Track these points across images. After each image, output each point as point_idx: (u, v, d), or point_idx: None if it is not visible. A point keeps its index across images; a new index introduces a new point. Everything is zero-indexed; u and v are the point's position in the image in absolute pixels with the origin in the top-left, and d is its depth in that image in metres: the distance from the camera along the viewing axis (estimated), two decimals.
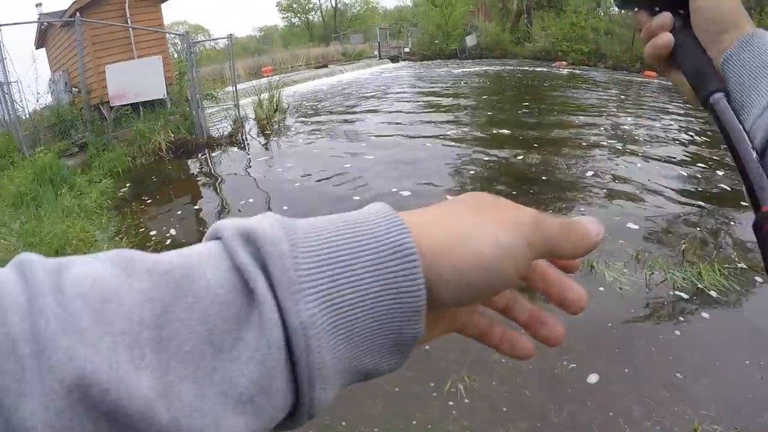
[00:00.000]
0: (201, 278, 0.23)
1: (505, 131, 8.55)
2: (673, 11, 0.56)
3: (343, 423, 2.42)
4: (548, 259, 0.35)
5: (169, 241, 4.81)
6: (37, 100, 9.23)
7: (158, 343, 0.21)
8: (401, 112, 10.99)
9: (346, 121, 10.54)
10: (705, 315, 3.20)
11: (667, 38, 0.54)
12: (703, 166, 6.21)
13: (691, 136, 7.73)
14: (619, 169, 6.25)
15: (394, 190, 5.66)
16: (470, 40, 26.98)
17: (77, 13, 8.77)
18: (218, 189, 6.78)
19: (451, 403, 2.52)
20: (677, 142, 7.45)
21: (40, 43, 11.65)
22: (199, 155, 8.56)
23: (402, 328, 0.27)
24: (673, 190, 5.47)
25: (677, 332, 3.04)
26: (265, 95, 10.58)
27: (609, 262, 3.77)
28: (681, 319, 3.17)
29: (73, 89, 9.71)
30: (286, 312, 0.23)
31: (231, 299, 0.23)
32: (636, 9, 0.60)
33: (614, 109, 10.56)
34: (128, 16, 9.70)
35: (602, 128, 8.65)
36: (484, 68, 20.93)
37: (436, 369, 2.72)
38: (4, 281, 0.21)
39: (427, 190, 5.65)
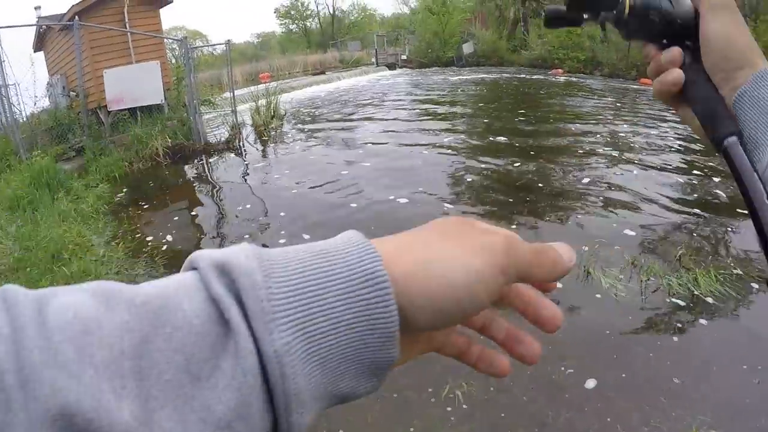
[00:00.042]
0: (178, 309, 0.24)
1: (502, 139, 8.57)
2: (683, 45, 0.54)
3: (341, 431, 2.41)
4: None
5: (165, 247, 4.80)
6: (35, 104, 9.21)
7: (138, 372, 0.22)
8: (398, 119, 11.02)
9: (343, 128, 10.56)
10: (702, 321, 3.21)
11: (677, 75, 0.53)
12: (698, 173, 6.25)
13: (686, 143, 7.76)
14: (616, 177, 6.27)
15: (391, 197, 5.67)
16: (467, 48, 27.10)
17: (76, 17, 8.78)
18: (215, 195, 6.77)
19: (449, 408, 2.52)
20: (673, 149, 7.49)
21: (38, 46, 11.66)
22: (196, 161, 8.56)
23: (376, 354, 0.27)
24: (670, 197, 5.49)
25: (675, 339, 3.05)
26: (263, 101, 10.61)
27: (605, 269, 3.79)
28: (678, 325, 3.18)
29: (71, 93, 9.70)
30: (260, 341, 0.24)
31: (207, 329, 0.24)
32: (644, 41, 0.58)
33: (610, 117, 10.61)
34: (127, 20, 9.71)
35: (598, 136, 8.69)
36: (481, 76, 21.02)
37: (433, 375, 2.72)
38: None
39: (424, 198, 5.65)
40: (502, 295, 0.34)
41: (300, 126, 11.16)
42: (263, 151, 9.14)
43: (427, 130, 9.66)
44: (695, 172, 6.33)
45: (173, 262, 4.46)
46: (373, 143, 8.75)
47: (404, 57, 28.85)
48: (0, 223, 5.24)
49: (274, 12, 46.07)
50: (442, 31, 27.69)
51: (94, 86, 9.17)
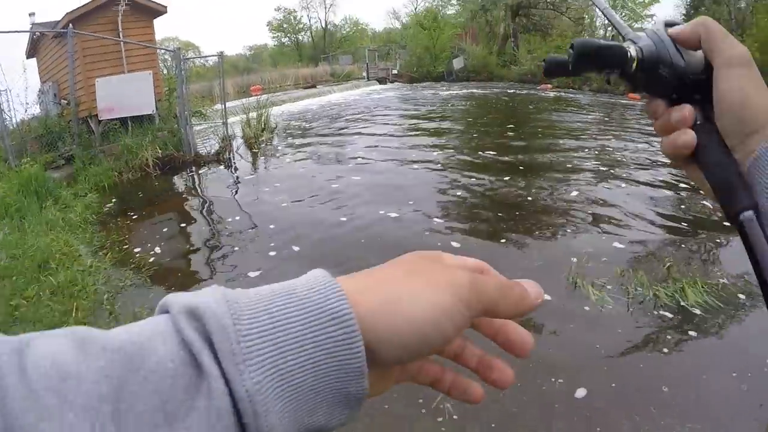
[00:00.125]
0: (152, 354, 0.25)
1: (491, 154, 8.63)
2: (693, 101, 0.50)
3: None
4: None
5: (152, 259, 4.75)
6: (26, 111, 9.16)
7: (117, 415, 0.23)
8: (388, 134, 11.07)
9: (333, 142, 10.58)
10: (690, 331, 3.23)
11: (689, 138, 0.48)
12: (686, 187, 6.31)
13: None
14: (604, 191, 6.33)
15: (382, 212, 5.66)
16: (457, 63, 27.42)
17: (70, 25, 8.77)
18: (204, 207, 6.74)
19: (440, 419, 2.51)
20: (660, 164, 7.57)
21: (31, 52, 11.63)
22: (187, 172, 8.54)
23: (346, 388, 0.28)
24: (658, 212, 5.54)
25: (664, 349, 3.06)
26: (254, 114, 10.62)
27: (594, 281, 3.81)
28: (667, 336, 3.20)
29: (62, 101, 9.66)
30: (231, 382, 0.25)
31: (181, 372, 0.25)
32: (651, 96, 0.53)
33: (599, 132, 10.74)
34: (120, 30, 9.73)
35: (587, 151, 8.78)
36: (471, 90, 21.22)
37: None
38: None
39: (413, 214, 5.64)
40: (471, 324, 0.35)
41: (290, 139, 11.18)
42: (253, 163, 9.13)
43: (417, 145, 9.71)
44: (683, 185, 6.40)
45: (160, 275, 4.42)
46: (363, 158, 8.77)
47: (395, 71, 29.10)
48: None
49: (267, 25, 46.33)
50: (432, 46, 28.02)
51: (85, 95, 9.15)
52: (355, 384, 0.28)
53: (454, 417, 2.52)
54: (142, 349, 0.25)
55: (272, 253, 4.75)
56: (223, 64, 10.33)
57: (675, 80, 0.50)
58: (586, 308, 3.52)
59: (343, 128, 12.42)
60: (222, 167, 8.76)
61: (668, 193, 6.22)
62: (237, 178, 8.07)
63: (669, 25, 0.52)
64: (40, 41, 10.89)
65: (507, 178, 6.97)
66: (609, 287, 3.76)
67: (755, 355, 2.90)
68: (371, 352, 0.29)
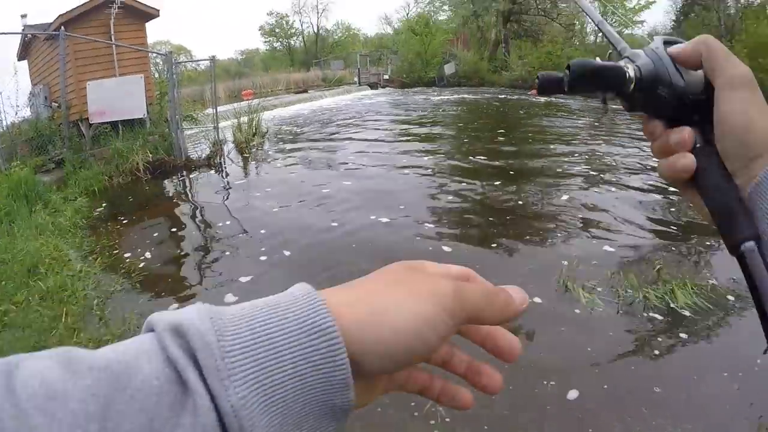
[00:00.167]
0: (138, 372, 0.25)
1: (482, 159, 8.67)
2: (692, 122, 0.48)
3: None
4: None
5: (143, 264, 4.72)
6: (16, 113, 9.10)
7: None
8: (379, 140, 11.07)
9: (324, 147, 10.58)
10: (680, 332, 3.26)
11: (688, 162, 0.46)
12: (676, 191, 6.35)
13: None
14: (595, 196, 6.37)
15: (373, 217, 5.66)
16: (449, 68, 27.52)
17: (62, 27, 8.73)
18: (195, 212, 6.72)
19: (432, 422, 2.51)
20: (650, 168, 7.63)
21: (22, 55, 11.55)
22: (177, 177, 8.50)
23: (332, 399, 0.29)
24: (648, 215, 5.58)
25: (655, 351, 3.09)
26: (245, 119, 10.60)
27: (584, 283, 3.83)
28: (658, 338, 3.22)
29: (53, 104, 9.61)
30: (217, 397, 0.25)
31: (166, 389, 0.25)
32: (647, 115, 0.52)
33: (589, 137, 10.81)
34: (113, 33, 9.70)
35: (577, 156, 8.83)
36: (462, 96, 21.30)
37: None
38: None
39: (404, 219, 5.64)
40: (459, 331, 0.36)
41: (282, 144, 11.16)
42: (244, 168, 9.11)
43: (408, 150, 9.72)
44: (672, 189, 6.45)
45: (150, 280, 4.40)
46: (354, 163, 8.77)
47: (386, 77, 29.15)
48: None
49: (259, 29, 46.29)
50: (424, 52, 28.09)
51: (76, 98, 9.11)
52: (341, 396, 0.29)
53: (447, 420, 2.52)
54: (128, 367, 0.25)
55: (263, 258, 4.74)
56: (214, 68, 10.31)
57: (674, 101, 0.48)
58: (577, 311, 3.54)
59: (334, 133, 12.42)
60: (213, 172, 8.74)
61: (658, 197, 6.27)
62: (228, 182, 8.05)
63: (668, 42, 0.50)
64: (32, 43, 10.82)
65: (498, 183, 6.99)
66: (599, 290, 3.78)
67: (746, 355, 2.92)
68: (356, 364, 0.29)
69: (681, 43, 0.50)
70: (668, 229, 5.19)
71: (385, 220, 5.59)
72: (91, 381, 0.24)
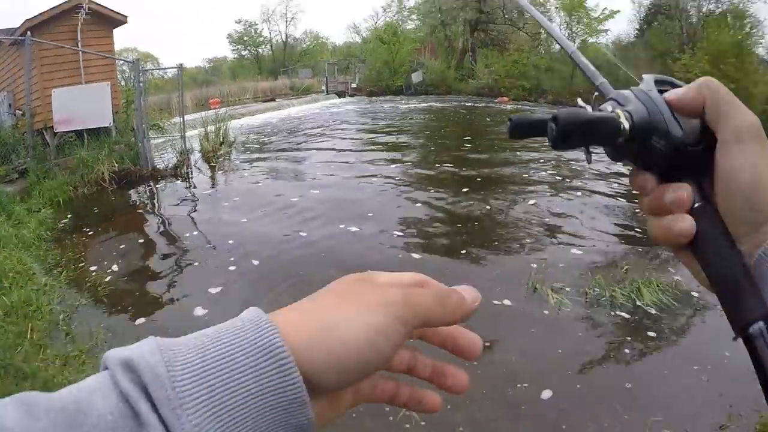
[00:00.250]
0: (93, 409, 0.25)
1: (449, 167, 8.78)
2: (688, 175, 0.42)
3: None
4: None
5: (109, 278, 4.62)
6: None
7: None
8: (346, 149, 11.09)
9: (292, 157, 10.54)
10: (649, 330, 3.36)
11: (688, 226, 0.40)
12: None
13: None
14: (562, 201, 6.50)
15: (342, 226, 5.67)
16: (416, 77, 27.76)
17: (28, 32, 8.48)
18: (162, 223, 6.60)
19: (407, 426, 2.53)
20: (614, 173, 7.84)
21: None
22: (144, 187, 8.35)
23: (290, 419, 0.29)
24: (614, 220, 5.75)
25: (625, 349, 3.18)
26: (212, 128, 10.48)
27: (553, 285, 3.91)
28: (628, 337, 3.31)
29: (17, 111, 9.32)
30: (170, 427, 0.25)
31: (121, 424, 0.25)
32: (637, 167, 0.45)
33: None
34: (80, 39, 9.46)
35: (543, 161, 9.01)
36: (430, 104, 21.54)
37: None
38: None
39: (373, 229, 5.66)
40: (419, 336, 0.37)
41: (249, 153, 11.07)
42: (212, 178, 9.01)
43: (376, 159, 9.76)
44: (637, 193, 6.62)
45: (117, 294, 4.30)
46: (322, 172, 8.75)
47: (354, 85, 29.18)
48: None
49: (227, 37, 45.76)
50: (392, 60, 28.25)
51: (41, 105, 8.85)
52: (299, 414, 0.29)
53: (422, 423, 2.54)
54: (83, 406, 0.25)
55: (232, 268, 4.70)
56: (182, 76, 10.19)
57: (670, 153, 0.41)
58: (546, 312, 3.62)
59: (302, 142, 12.39)
60: (180, 182, 8.61)
61: (623, 201, 6.44)
62: (195, 193, 7.93)
63: (659, 82, 0.44)
64: None
65: (465, 190, 7.09)
66: (567, 290, 3.87)
67: (714, 348, 3.03)
68: (310, 382, 0.29)
69: (672, 83, 0.44)
70: (633, 234, 5.34)
71: (353, 229, 5.60)
72: (47, 423, 0.24)
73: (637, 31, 26.17)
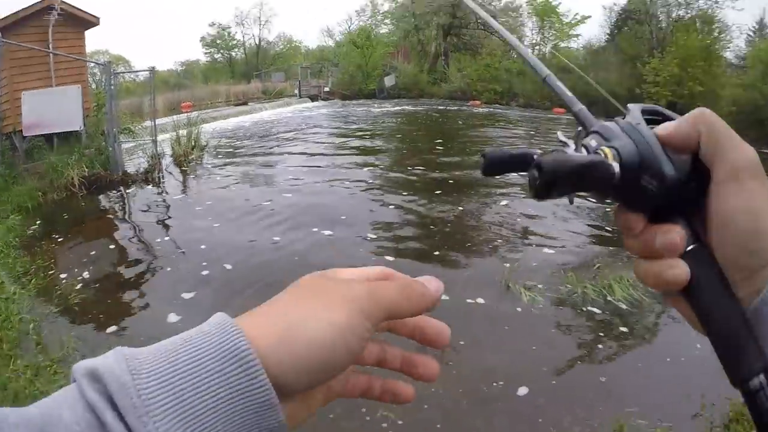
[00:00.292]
0: (59, 421, 0.26)
1: (421, 170, 8.85)
2: (679, 215, 0.38)
3: None
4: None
5: (80, 285, 4.53)
6: None
7: None
8: (319, 153, 11.08)
9: (265, 162, 10.49)
10: (621, 326, 3.45)
11: (681, 273, 0.36)
12: None
13: None
14: (534, 203, 6.51)
15: (315, 230, 5.67)
16: (389, 81, 27.88)
17: None
18: (133, 228, 6.49)
19: (384, 425, 2.55)
20: None
21: None
22: (114, 192, 8.19)
23: (261, 423, 0.29)
24: (585, 221, 5.87)
25: (599, 344, 3.26)
26: (184, 132, 10.35)
27: (526, 283, 3.98)
28: (600, 332, 3.40)
29: None
30: None
31: None
32: (624, 207, 0.39)
33: (527, 145, 11.17)
34: (51, 40, 9.23)
35: None
36: (403, 107, 21.64)
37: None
38: None
39: (346, 232, 5.68)
40: (387, 329, 0.38)
41: (221, 158, 10.96)
42: (183, 182, 8.91)
43: (348, 163, 9.77)
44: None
45: (89, 301, 4.24)
46: (294, 177, 8.72)
47: (327, 89, 29.12)
48: None
49: (200, 40, 45.20)
50: (365, 64, 28.31)
51: (10, 109, 8.62)
52: (269, 417, 0.29)
53: (399, 422, 2.57)
54: (51, 418, 0.25)
55: (204, 273, 4.66)
56: (154, 79, 10.06)
57: (662, 192, 0.37)
58: (519, 309, 3.68)
59: (274, 147, 12.34)
60: (151, 186, 8.48)
61: (594, 203, 6.55)
62: (166, 198, 7.84)
63: (646, 112, 0.40)
64: None
65: (438, 193, 7.15)
66: (540, 287, 3.94)
67: (686, 340, 3.11)
68: (280, 383, 0.29)
69: (662, 113, 0.41)
70: (604, 233, 5.46)
71: (326, 233, 5.61)
72: None
73: (607, 36, 26.68)
